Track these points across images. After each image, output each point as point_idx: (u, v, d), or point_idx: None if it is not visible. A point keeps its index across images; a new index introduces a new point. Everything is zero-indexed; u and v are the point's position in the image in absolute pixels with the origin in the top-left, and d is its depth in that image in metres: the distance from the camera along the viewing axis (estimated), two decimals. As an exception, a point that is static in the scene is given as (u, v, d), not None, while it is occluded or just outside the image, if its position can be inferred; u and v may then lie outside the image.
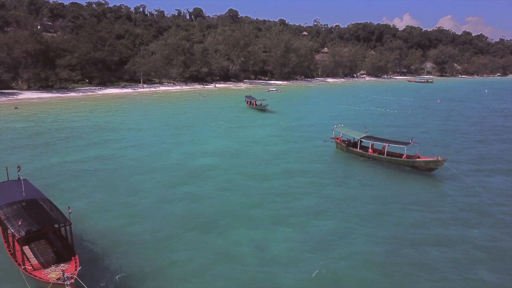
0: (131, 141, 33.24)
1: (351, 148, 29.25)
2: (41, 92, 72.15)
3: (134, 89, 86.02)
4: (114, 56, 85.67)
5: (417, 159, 24.89)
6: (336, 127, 31.09)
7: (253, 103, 56.84)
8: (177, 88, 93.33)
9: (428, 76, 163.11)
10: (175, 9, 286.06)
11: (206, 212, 18.18)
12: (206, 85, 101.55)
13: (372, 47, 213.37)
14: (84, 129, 38.34)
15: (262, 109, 54.14)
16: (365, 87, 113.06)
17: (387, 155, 26.51)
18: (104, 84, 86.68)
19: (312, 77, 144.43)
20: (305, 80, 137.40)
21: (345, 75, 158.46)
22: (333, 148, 31.11)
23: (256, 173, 24.51)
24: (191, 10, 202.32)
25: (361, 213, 18.43)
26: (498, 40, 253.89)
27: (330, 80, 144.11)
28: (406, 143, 25.78)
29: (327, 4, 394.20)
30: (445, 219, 17.92)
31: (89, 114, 49.45)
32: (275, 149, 30.97)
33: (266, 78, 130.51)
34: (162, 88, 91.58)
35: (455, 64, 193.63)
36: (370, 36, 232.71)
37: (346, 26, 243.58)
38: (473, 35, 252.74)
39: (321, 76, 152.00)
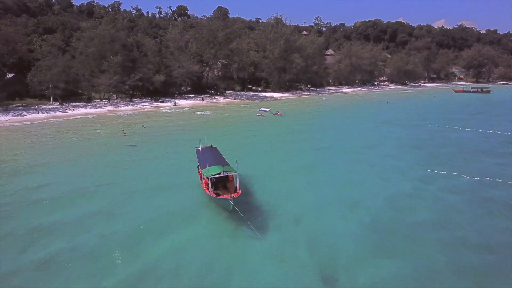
0: None
1: None
2: None
3: (17, 117, 47.59)
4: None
5: None
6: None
7: (204, 179, 18.84)
8: (107, 109, 55.00)
9: (484, 85, 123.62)
10: (156, 7, 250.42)
11: None
12: (161, 102, 63.34)
13: (385, 48, 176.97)
14: None
15: (227, 208, 16.55)
16: (407, 102, 75.30)
17: None
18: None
19: (322, 85, 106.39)
20: (312, 90, 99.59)
21: (362, 83, 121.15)
22: None
23: None
24: (174, 8, 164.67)
25: None
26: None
27: (346, 89, 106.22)
28: None
29: (322, 5, 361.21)
30: None
31: None
32: None
33: (259, 88, 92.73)
34: (78, 110, 53.08)
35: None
36: (382, 36, 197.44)
37: (352, 25, 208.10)
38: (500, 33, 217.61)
39: (333, 84, 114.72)
